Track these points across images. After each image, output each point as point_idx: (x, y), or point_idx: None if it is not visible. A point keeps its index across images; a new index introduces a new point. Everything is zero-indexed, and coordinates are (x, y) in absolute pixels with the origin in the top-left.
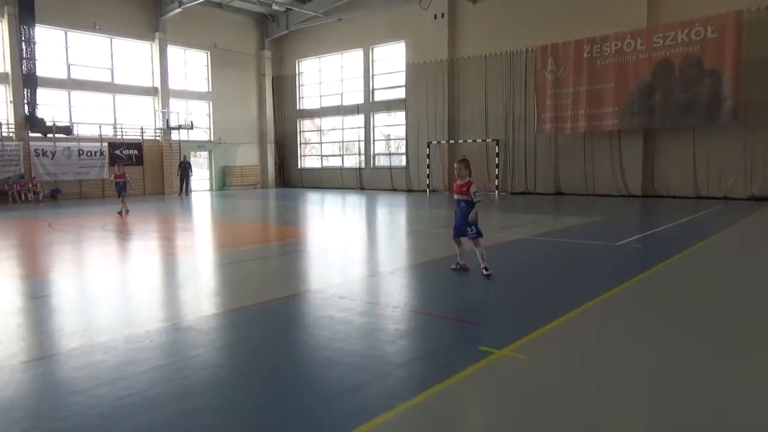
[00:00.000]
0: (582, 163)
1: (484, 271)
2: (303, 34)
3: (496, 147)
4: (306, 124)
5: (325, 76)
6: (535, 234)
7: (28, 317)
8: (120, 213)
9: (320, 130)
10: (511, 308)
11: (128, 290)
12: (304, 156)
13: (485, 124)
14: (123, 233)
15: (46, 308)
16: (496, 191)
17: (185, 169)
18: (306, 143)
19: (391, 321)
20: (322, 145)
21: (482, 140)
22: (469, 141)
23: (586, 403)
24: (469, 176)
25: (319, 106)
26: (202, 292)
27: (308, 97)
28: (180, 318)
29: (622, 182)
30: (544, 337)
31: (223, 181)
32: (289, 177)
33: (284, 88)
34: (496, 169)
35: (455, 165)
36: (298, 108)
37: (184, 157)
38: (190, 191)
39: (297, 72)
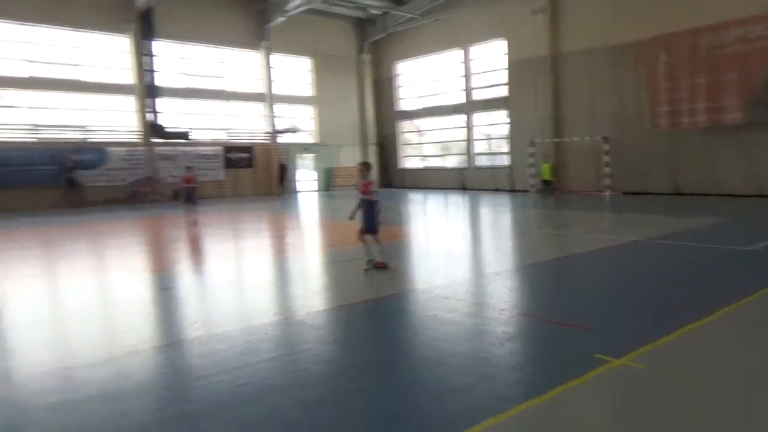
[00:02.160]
0: (703, 161)
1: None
2: (400, 36)
3: (606, 145)
4: (405, 125)
5: (424, 77)
6: (653, 236)
7: (157, 307)
8: (193, 221)
9: (419, 131)
10: (627, 315)
11: (243, 285)
12: (405, 157)
13: (592, 121)
14: (237, 231)
15: (172, 299)
16: (608, 191)
17: (283, 171)
18: (406, 144)
19: (498, 323)
20: (423, 145)
21: (589, 138)
22: (576, 139)
23: (707, 422)
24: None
25: (418, 107)
26: (311, 289)
27: (407, 99)
28: (292, 312)
29: (754, 180)
30: (666, 347)
31: (328, 182)
32: (392, 177)
33: (383, 90)
34: (606, 168)
35: (357, 166)
36: (397, 109)
37: (281, 159)
38: (288, 191)
39: (395, 74)
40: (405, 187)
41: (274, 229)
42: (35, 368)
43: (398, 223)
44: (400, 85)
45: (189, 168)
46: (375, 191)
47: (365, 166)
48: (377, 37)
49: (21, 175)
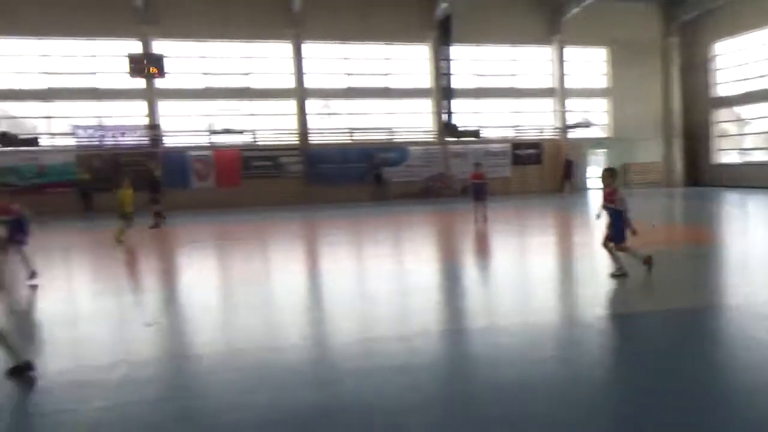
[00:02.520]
0: None
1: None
2: (717, 14)
3: None
4: (722, 114)
5: (747, 58)
6: None
7: (446, 294)
8: (482, 217)
9: (740, 120)
10: None
11: (526, 281)
12: (721, 150)
13: None
14: (523, 227)
15: (459, 289)
16: None
17: (568, 167)
18: (722, 136)
19: None
20: (745, 137)
21: None
22: None
23: None
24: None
25: (738, 93)
26: (600, 291)
27: (724, 84)
28: (575, 315)
29: None
30: None
31: (622, 179)
32: (701, 174)
33: (694, 75)
34: None
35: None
36: (712, 96)
37: (567, 155)
38: (575, 189)
39: (710, 56)
40: (720, 186)
41: (560, 227)
42: (344, 338)
43: (706, 225)
44: (716, 68)
45: (478, 164)
46: (621, 199)
47: (609, 172)
48: (688, 17)
49: (338, 172)
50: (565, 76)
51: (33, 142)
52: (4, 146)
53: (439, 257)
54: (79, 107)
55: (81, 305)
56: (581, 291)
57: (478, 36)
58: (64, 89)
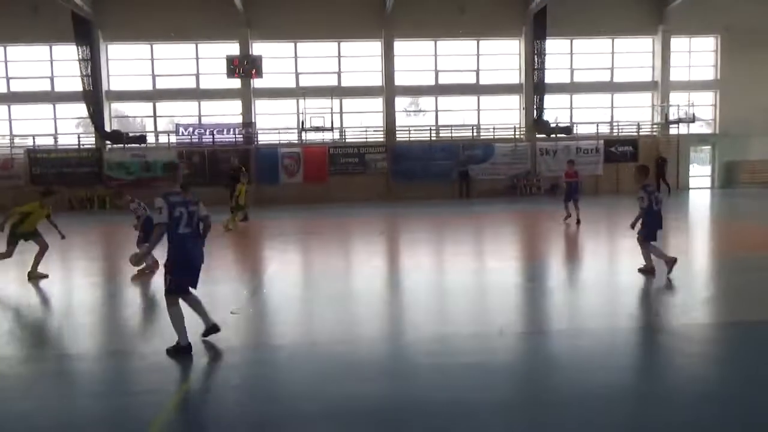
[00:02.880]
0: None
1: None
2: None
3: None
4: None
5: None
6: None
7: (525, 295)
8: (566, 219)
9: None
10: None
11: (614, 284)
12: None
13: None
14: (613, 227)
15: (539, 291)
16: None
17: (662, 165)
18: None
19: None
20: None
21: None
22: None
23: None
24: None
25: None
26: (695, 297)
27: None
28: (665, 321)
29: None
30: None
31: (729, 178)
32: None
33: None
34: None
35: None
36: None
37: (660, 153)
38: (671, 187)
39: None
40: None
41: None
42: (421, 334)
43: None
44: None
45: (571, 162)
46: (640, 197)
47: (641, 170)
48: None
49: (423, 169)
50: (668, 68)
51: (140, 139)
52: (115, 143)
53: (523, 257)
54: (181, 107)
55: None
56: (670, 297)
57: (574, 28)
58: (168, 90)
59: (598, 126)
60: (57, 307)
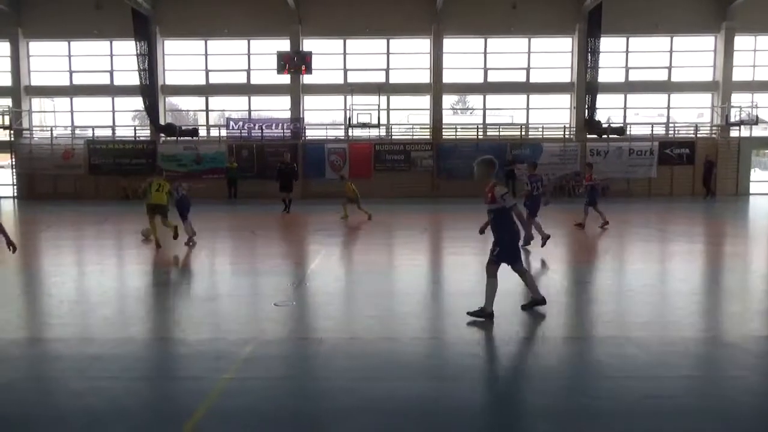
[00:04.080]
0: None
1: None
2: None
3: None
4: None
5: None
6: None
7: (574, 299)
8: (580, 224)
9: None
10: None
11: (665, 292)
12: None
13: None
14: (662, 232)
15: (589, 294)
16: None
17: (709, 169)
18: None
19: None
20: None
21: None
22: None
23: None
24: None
25: None
26: (752, 308)
27: None
28: (723, 332)
29: None
30: None
31: None
32: None
33: None
34: None
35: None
36: None
37: (707, 156)
38: (715, 192)
39: None
40: None
41: (709, 235)
42: (464, 335)
43: None
44: None
45: (589, 165)
46: (501, 197)
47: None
48: None
49: (469, 167)
50: (730, 68)
51: (193, 132)
52: (168, 136)
53: (567, 260)
54: (232, 101)
55: (222, 282)
56: (730, 307)
57: (631, 26)
58: (220, 85)
59: (653, 127)
60: (110, 293)
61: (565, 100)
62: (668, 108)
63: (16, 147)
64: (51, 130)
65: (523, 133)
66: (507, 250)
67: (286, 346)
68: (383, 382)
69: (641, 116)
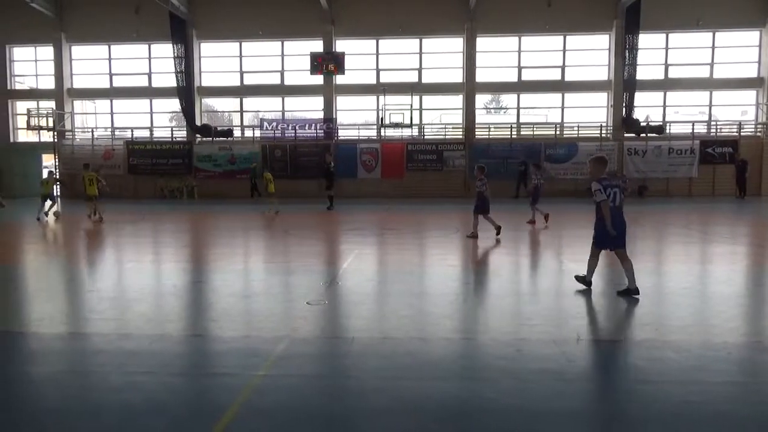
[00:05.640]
0: None
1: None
2: None
3: None
4: None
5: None
6: None
7: (609, 301)
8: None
9: None
10: None
11: (708, 294)
12: None
13: None
14: (706, 234)
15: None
16: None
17: (742, 169)
18: None
19: None
20: None
21: None
22: None
23: None
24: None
25: None
26: None
27: None
28: (765, 338)
29: None
30: None
31: None
32: None
33: None
34: None
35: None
36: None
37: (739, 155)
38: (746, 193)
39: None
40: None
41: (753, 236)
42: (496, 335)
43: None
44: None
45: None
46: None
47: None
48: None
49: (502, 167)
50: None
51: (227, 133)
52: (204, 136)
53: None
54: (265, 102)
55: (256, 279)
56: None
57: (671, 22)
58: (254, 86)
59: (693, 125)
60: (147, 290)
61: (601, 98)
62: (710, 105)
63: (59, 148)
64: (92, 131)
65: (558, 132)
66: (597, 238)
67: (318, 344)
68: (415, 382)
69: (681, 114)
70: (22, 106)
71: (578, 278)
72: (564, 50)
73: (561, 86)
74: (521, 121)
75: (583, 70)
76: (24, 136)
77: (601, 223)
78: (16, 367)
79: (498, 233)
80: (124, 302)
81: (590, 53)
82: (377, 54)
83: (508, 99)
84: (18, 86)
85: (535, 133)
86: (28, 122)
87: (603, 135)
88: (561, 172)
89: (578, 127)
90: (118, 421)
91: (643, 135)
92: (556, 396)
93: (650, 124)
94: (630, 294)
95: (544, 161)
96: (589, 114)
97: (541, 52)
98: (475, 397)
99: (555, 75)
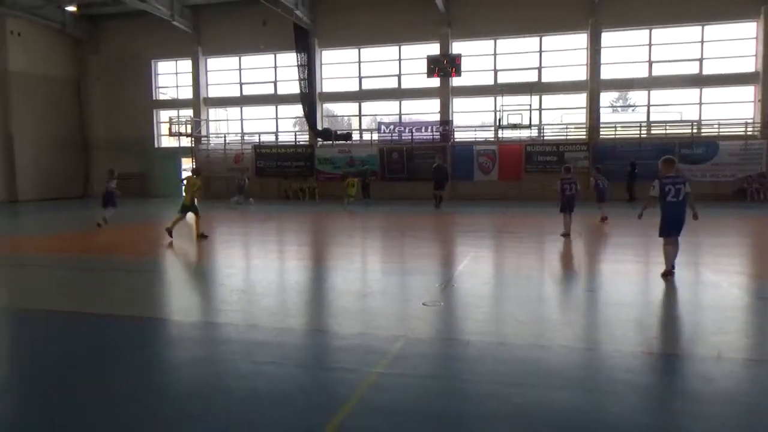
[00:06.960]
0: None
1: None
2: None
3: None
4: None
5: None
6: None
7: (752, 316)
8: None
9: None
10: None
11: None
12: None
13: None
14: None
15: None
16: None
17: None
18: None
19: None
20: None
21: None
22: None
23: None
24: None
25: None
26: None
27: None
28: None
29: None
30: None
31: None
32: None
33: None
34: None
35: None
36: None
37: None
38: None
39: None
40: None
41: None
42: (620, 346)
43: None
44: None
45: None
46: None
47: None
48: None
49: (631, 168)
50: None
51: (347, 136)
52: (325, 140)
53: (746, 272)
54: (383, 106)
55: (374, 279)
56: None
57: None
58: (372, 90)
59: None
60: (272, 285)
61: (747, 92)
62: None
63: (196, 152)
64: (224, 137)
65: (695, 130)
66: (660, 228)
67: (433, 345)
68: (532, 389)
69: None
70: (165, 114)
71: (663, 275)
72: (702, 41)
73: (698, 81)
74: (652, 119)
75: (725, 62)
76: (166, 142)
77: (662, 213)
78: (156, 351)
79: (563, 234)
80: (251, 296)
81: (733, 43)
82: (495, 54)
83: (637, 96)
84: (162, 97)
85: (667, 131)
86: (170, 129)
87: (749, 133)
88: (698, 173)
89: (719, 124)
90: (245, 406)
91: None
92: (691, 418)
93: None
94: (664, 276)
95: (678, 162)
96: (732, 110)
97: (674, 44)
98: (597, 410)
99: (692, 69)
